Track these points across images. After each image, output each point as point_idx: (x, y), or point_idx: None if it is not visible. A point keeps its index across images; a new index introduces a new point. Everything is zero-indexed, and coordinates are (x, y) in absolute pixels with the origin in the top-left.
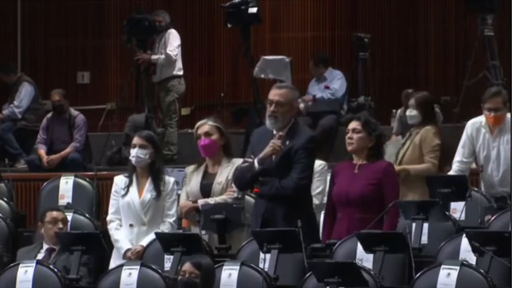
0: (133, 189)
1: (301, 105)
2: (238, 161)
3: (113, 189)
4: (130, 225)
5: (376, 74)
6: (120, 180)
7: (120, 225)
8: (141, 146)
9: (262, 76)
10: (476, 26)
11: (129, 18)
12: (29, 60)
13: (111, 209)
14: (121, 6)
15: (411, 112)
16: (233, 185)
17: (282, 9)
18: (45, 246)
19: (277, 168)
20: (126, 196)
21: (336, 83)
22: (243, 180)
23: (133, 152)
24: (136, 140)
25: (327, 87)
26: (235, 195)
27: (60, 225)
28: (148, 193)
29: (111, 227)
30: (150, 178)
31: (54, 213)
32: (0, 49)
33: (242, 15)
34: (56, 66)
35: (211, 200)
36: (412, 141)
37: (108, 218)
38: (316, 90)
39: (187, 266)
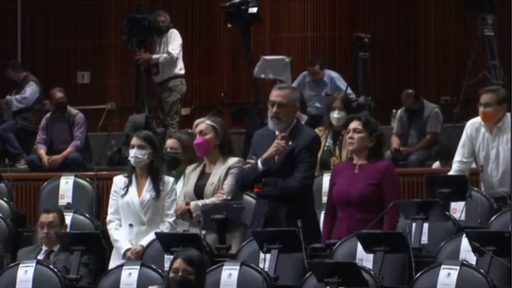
0: (133, 189)
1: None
2: (232, 161)
3: (112, 189)
4: (130, 225)
5: (376, 74)
6: (119, 180)
7: (120, 225)
8: (139, 147)
9: (262, 76)
10: (476, 26)
11: (129, 18)
12: (29, 60)
13: (110, 209)
14: (121, 6)
15: (339, 114)
16: (223, 186)
17: (282, 9)
18: (44, 248)
19: (280, 169)
20: (126, 196)
21: (339, 87)
22: (245, 181)
23: (132, 153)
24: (134, 140)
25: (328, 95)
26: (225, 197)
27: (45, 230)
28: (147, 193)
29: (111, 227)
30: (149, 178)
31: (43, 217)
32: (0, 49)
33: (242, 15)
34: (56, 66)
35: (200, 203)
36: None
37: (108, 218)
38: (311, 93)
39: (179, 263)
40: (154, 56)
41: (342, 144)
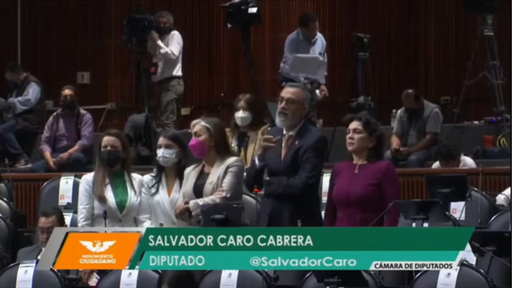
0: (163, 188)
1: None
2: (231, 160)
3: (142, 188)
4: (160, 225)
5: (376, 74)
6: (147, 179)
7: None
8: (166, 146)
9: (293, 74)
10: (476, 26)
11: (129, 18)
12: (29, 60)
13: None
14: (121, 6)
15: (243, 114)
16: (223, 184)
17: (282, 9)
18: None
19: (286, 168)
20: (156, 195)
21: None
22: (248, 178)
23: (160, 152)
24: (161, 140)
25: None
26: (224, 194)
27: (45, 235)
28: (176, 193)
29: (146, 226)
30: (178, 177)
31: (42, 221)
32: (0, 49)
33: (242, 15)
34: (56, 66)
35: (200, 201)
36: (255, 143)
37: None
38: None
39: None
40: (162, 49)
41: (248, 146)
